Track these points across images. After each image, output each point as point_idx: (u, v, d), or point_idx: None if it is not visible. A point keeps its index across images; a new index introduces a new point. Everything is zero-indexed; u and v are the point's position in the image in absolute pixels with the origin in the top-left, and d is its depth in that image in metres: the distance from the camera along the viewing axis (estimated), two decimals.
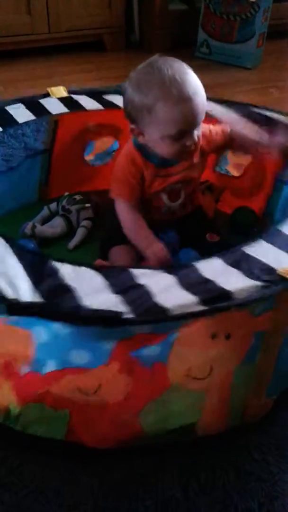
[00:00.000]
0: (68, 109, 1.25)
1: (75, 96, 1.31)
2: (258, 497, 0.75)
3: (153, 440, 0.80)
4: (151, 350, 0.71)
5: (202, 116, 0.97)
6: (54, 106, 1.26)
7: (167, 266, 0.88)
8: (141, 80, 0.95)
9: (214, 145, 1.11)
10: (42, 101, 1.27)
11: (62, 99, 1.29)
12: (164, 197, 1.09)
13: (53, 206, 1.29)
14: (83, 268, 0.73)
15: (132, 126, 1.00)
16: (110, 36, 2.57)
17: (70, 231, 1.23)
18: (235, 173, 1.29)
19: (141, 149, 1.04)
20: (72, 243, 1.19)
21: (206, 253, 0.81)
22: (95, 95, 1.33)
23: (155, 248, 0.99)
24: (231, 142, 1.12)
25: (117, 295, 0.68)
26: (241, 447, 0.82)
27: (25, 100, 1.26)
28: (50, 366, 0.73)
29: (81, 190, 1.31)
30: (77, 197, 1.27)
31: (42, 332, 0.71)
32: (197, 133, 0.98)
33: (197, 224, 1.14)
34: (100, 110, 1.28)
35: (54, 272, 0.71)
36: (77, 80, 2.21)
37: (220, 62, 2.47)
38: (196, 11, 2.51)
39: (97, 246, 1.17)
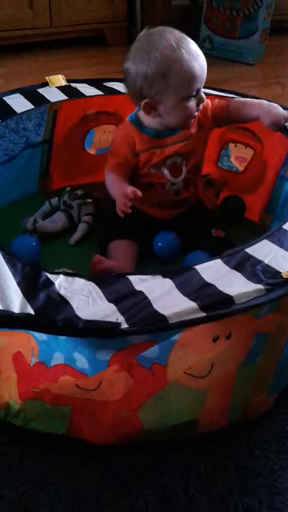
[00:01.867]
0: (68, 96, 1.24)
1: (74, 84, 1.30)
2: (259, 493, 0.75)
3: (154, 437, 0.80)
4: (150, 352, 0.71)
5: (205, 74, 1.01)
6: (53, 94, 1.25)
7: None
8: (147, 51, 0.97)
9: (213, 116, 1.11)
10: (40, 90, 1.26)
11: (61, 88, 1.28)
12: (166, 171, 1.10)
13: (54, 201, 1.28)
14: (77, 279, 0.70)
15: (146, 101, 1.01)
16: (112, 31, 2.56)
17: (72, 226, 1.23)
18: (238, 166, 1.28)
19: (136, 123, 1.08)
20: (73, 239, 1.19)
21: (215, 250, 0.80)
22: (95, 82, 1.32)
23: (125, 189, 1.00)
24: (231, 115, 1.12)
25: (113, 303, 0.66)
26: (242, 443, 0.82)
27: (24, 90, 1.25)
28: (57, 360, 0.72)
29: (83, 182, 1.30)
30: (79, 192, 1.26)
31: (40, 334, 0.71)
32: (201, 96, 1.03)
33: (200, 219, 1.14)
34: (100, 95, 1.27)
35: (48, 284, 0.69)
36: (79, 74, 2.19)
37: (223, 58, 2.46)
38: (199, 6, 2.50)
39: (97, 240, 1.17)
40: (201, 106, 1.06)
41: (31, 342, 0.72)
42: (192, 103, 1.02)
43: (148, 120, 1.07)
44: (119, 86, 1.29)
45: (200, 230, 1.11)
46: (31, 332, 0.71)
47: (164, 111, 1.02)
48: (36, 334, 0.71)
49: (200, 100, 1.04)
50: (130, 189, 0.99)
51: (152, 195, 1.08)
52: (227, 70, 2.34)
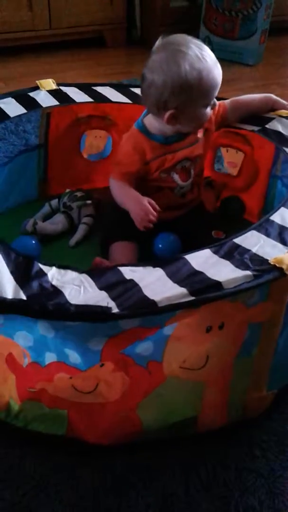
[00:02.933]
0: (58, 101, 1.25)
1: (64, 88, 1.31)
2: (259, 493, 0.75)
3: (155, 435, 0.80)
4: (145, 349, 0.71)
5: None
6: (44, 99, 1.25)
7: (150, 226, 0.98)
8: (176, 62, 0.97)
9: (216, 120, 1.14)
10: (32, 94, 1.27)
11: (51, 92, 1.28)
12: (176, 176, 1.10)
13: (54, 202, 1.29)
14: (69, 271, 0.72)
15: (171, 112, 1.01)
16: (111, 32, 2.57)
17: (71, 228, 1.23)
18: (231, 171, 1.29)
19: (143, 130, 1.08)
20: (73, 240, 1.19)
21: None
22: (85, 87, 1.33)
23: (142, 201, 1.01)
24: (233, 114, 1.17)
25: (104, 290, 0.67)
26: (242, 444, 0.82)
27: (15, 94, 1.26)
28: (50, 358, 0.73)
29: (82, 187, 1.31)
30: (78, 193, 1.26)
31: (25, 337, 0.71)
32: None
33: (200, 220, 1.14)
34: (89, 102, 1.27)
35: (41, 274, 0.71)
36: (78, 76, 2.21)
37: (222, 59, 2.42)
38: (198, 8, 2.51)
39: (98, 243, 1.17)
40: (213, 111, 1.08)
41: (17, 348, 0.73)
42: (209, 109, 1.05)
43: (158, 127, 1.07)
44: (108, 92, 1.31)
45: (201, 231, 1.12)
46: (15, 339, 0.72)
47: (184, 119, 1.03)
48: (21, 340, 0.71)
49: (213, 106, 1.06)
50: (146, 201, 1.00)
51: (159, 199, 1.09)
52: (227, 71, 2.31)
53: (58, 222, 1.22)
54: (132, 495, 0.75)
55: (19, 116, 1.20)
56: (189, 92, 0.99)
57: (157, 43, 1.01)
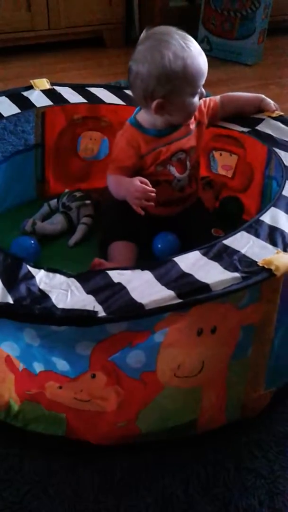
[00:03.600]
0: (52, 102, 1.25)
1: (58, 88, 1.30)
2: (259, 494, 0.75)
3: (154, 438, 0.80)
4: (136, 361, 0.70)
5: None
6: (37, 98, 1.25)
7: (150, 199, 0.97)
8: (159, 51, 0.98)
9: (208, 112, 1.15)
10: (25, 93, 1.27)
11: (45, 92, 1.28)
12: (172, 168, 1.11)
13: (53, 203, 1.29)
14: (58, 275, 0.71)
15: (158, 101, 1.02)
16: (110, 32, 2.56)
17: (71, 228, 1.23)
18: (227, 174, 1.30)
19: (136, 125, 1.09)
20: (72, 240, 1.19)
21: None
22: (79, 87, 1.33)
23: (132, 182, 1.01)
24: (224, 108, 1.18)
25: (91, 294, 0.67)
26: (242, 444, 0.82)
27: (9, 93, 1.25)
28: (38, 367, 0.73)
29: (80, 187, 1.31)
30: (77, 194, 1.26)
31: (12, 347, 0.71)
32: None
33: (200, 219, 1.14)
34: (83, 103, 1.27)
35: (29, 276, 0.70)
36: (77, 76, 2.21)
37: (221, 59, 2.46)
38: (197, 8, 2.51)
39: (97, 243, 1.17)
40: (201, 101, 1.09)
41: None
42: (197, 98, 1.05)
43: (149, 120, 1.08)
44: (101, 93, 1.31)
45: (200, 229, 1.12)
46: (6, 347, 0.71)
47: (173, 109, 1.04)
48: (9, 350, 0.71)
49: (201, 95, 1.06)
50: (138, 180, 1.01)
51: (158, 194, 1.09)
52: (225, 71, 2.34)
53: (57, 222, 1.22)
54: (132, 495, 0.74)
55: (17, 116, 1.19)
56: (174, 81, 1.00)
57: (142, 35, 1.02)
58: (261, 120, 1.17)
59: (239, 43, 2.43)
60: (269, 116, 1.18)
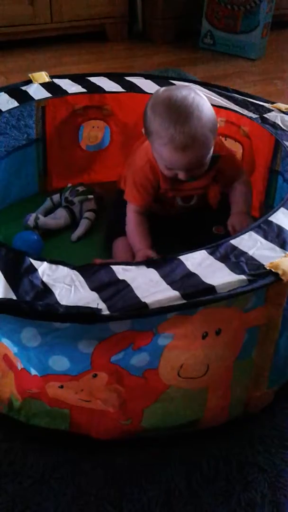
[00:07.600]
0: (51, 93, 1.24)
1: (56, 81, 1.29)
2: (261, 488, 0.76)
3: (156, 434, 0.80)
4: (140, 361, 0.70)
5: (201, 159, 0.98)
6: (36, 92, 1.24)
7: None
8: (159, 110, 0.96)
9: (225, 178, 1.12)
10: (24, 88, 1.26)
11: (44, 85, 1.27)
12: (178, 199, 1.11)
13: (56, 197, 1.29)
14: (61, 267, 0.70)
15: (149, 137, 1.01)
16: (113, 26, 2.55)
17: (73, 222, 1.23)
18: None
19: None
20: (75, 235, 1.19)
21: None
22: (78, 78, 1.32)
23: (144, 253, 1.01)
24: (228, 188, 1.14)
25: (95, 291, 0.66)
26: (244, 438, 0.82)
27: (7, 88, 1.25)
28: (33, 371, 0.72)
29: (83, 181, 1.30)
30: (80, 188, 1.26)
31: (11, 345, 0.71)
32: (191, 173, 1.00)
33: (204, 217, 1.14)
34: (83, 93, 1.26)
35: (31, 270, 0.69)
36: (80, 70, 2.20)
37: (224, 53, 2.45)
38: (200, 1, 2.49)
39: (100, 238, 1.17)
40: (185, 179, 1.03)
41: (10, 351, 0.73)
42: (181, 175, 1.00)
43: None
44: (103, 82, 1.30)
45: (202, 227, 1.11)
46: (5, 343, 0.71)
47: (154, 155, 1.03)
48: (10, 345, 0.71)
49: (182, 177, 1.01)
50: (146, 256, 1.00)
51: (161, 208, 1.09)
52: (229, 65, 2.33)
53: (60, 217, 1.22)
54: (135, 490, 0.75)
55: (20, 110, 1.19)
56: (152, 137, 0.98)
57: (162, 93, 0.98)
58: (270, 111, 1.16)
59: (242, 37, 2.41)
60: (279, 110, 1.17)
